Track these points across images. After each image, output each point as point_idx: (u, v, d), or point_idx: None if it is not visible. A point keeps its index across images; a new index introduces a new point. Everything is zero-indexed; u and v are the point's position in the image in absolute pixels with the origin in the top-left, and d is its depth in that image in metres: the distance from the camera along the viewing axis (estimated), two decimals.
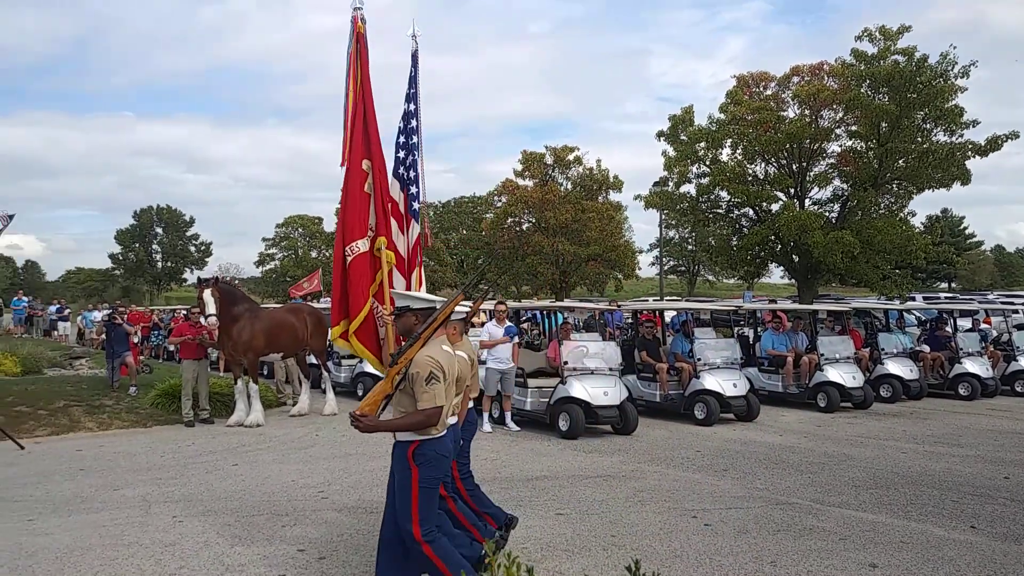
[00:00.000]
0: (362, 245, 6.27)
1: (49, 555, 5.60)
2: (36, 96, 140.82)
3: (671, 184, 31.20)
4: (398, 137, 7.17)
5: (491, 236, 47.28)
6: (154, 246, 77.97)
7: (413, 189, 6.98)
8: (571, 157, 46.42)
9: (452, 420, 4.82)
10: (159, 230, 77.95)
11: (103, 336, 16.86)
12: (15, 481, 8.07)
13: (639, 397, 12.55)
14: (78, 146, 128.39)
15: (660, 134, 30.74)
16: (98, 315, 25.70)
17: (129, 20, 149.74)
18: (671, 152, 30.47)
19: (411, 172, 7.08)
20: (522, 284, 48.25)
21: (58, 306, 31.45)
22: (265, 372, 15.55)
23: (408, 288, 6.57)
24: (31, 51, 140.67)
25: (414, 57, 7.12)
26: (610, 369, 11.23)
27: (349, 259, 6.30)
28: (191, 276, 76.63)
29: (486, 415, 11.23)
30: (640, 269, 48.24)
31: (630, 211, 48.43)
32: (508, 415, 11.21)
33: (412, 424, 4.33)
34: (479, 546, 4.93)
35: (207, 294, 11.51)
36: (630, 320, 15.64)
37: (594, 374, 11.01)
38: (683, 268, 74.94)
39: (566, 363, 10.92)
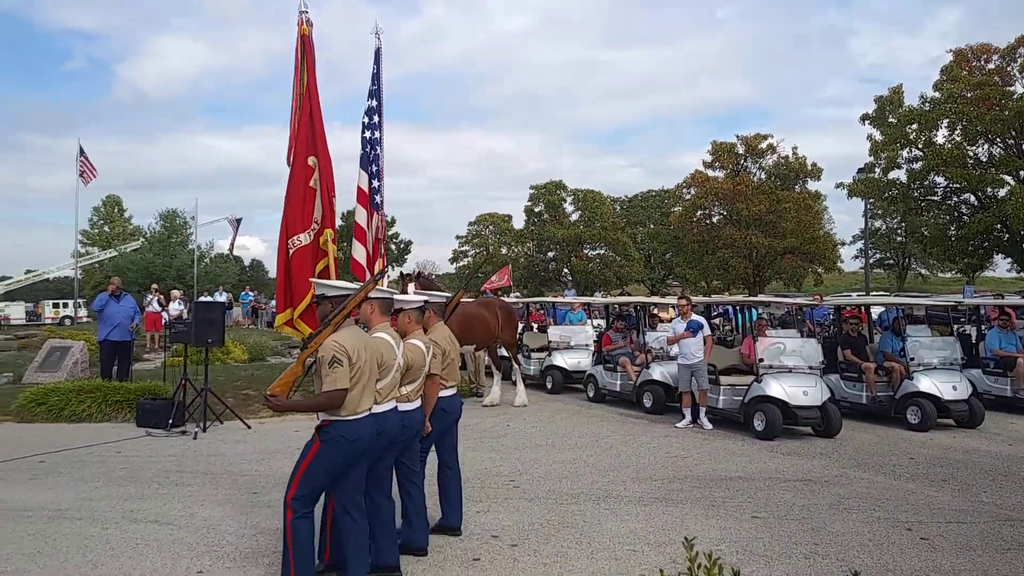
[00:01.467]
0: (304, 238, 6.45)
1: (271, 527, 6.12)
2: (259, 110, 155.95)
3: (878, 170, 29.03)
4: (363, 132, 7.20)
5: (679, 230, 46.27)
6: None
7: (375, 183, 7.06)
8: (764, 145, 44.41)
9: (386, 406, 4.90)
10: None
11: None
12: (243, 457, 8.93)
13: (842, 398, 11.75)
14: None
15: (865, 117, 28.67)
16: None
17: (337, 37, 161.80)
18: (878, 136, 28.33)
19: (374, 166, 7.20)
20: (712, 279, 46.80)
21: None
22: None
23: (362, 276, 6.67)
24: (254, 70, 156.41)
25: (377, 55, 7.20)
26: (810, 368, 10.61)
27: (291, 251, 6.52)
28: (392, 273, 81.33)
29: (687, 411, 11.05)
30: (842, 262, 45.24)
31: (829, 201, 45.53)
32: (702, 411, 10.88)
33: (316, 405, 4.51)
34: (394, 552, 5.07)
35: (411, 288, 12.13)
36: (832, 316, 14.70)
37: (792, 372, 10.45)
38: (891, 261, 69.40)
39: (761, 360, 10.44)
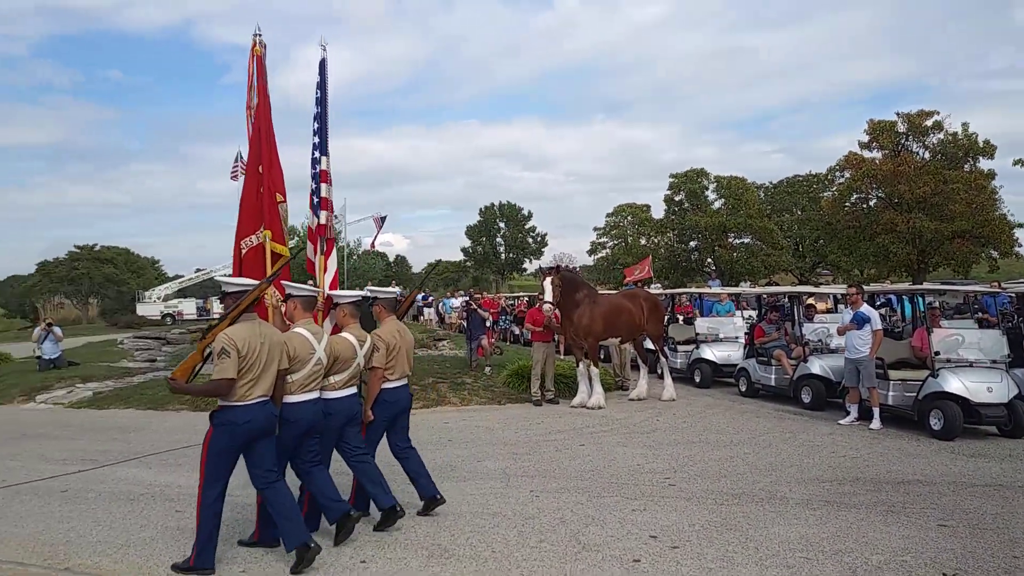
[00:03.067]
0: (255, 239, 6.97)
1: (427, 517, 6.17)
2: (402, 113, 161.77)
3: None
4: (313, 137, 7.77)
5: (832, 215, 43.75)
6: (498, 239, 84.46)
7: (313, 186, 7.67)
8: (929, 123, 41.15)
9: (304, 396, 5.30)
10: (501, 224, 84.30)
11: (462, 320, 18.59)
12: None
13: None
14: (434, 153, 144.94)
15: None
16: (456, 302, 28.55)
17: (473, 37, 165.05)
18: None
19: (315, 168, 7.75)
20: (868, 266, 43.92)
21: (423, 294, 35.55)
22: (602, 356, 15.92)
23: (314, 272, 7.40)
24: (397, 75, 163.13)
25: (322, 65, 7.76)
26: (993, 361, 9.66)
27: (244, 251, 6.99)
28: (530, 266, 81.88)
29: (852, 408, 10.37)
30: (1020, 247, 41.21)
31: (999, 180, 41.24)
32: (875, 411, 10.06)
33: (206, 391, 5.01)
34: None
35: (547, 282, 12.05)
36: (1016, 305, 13.35)
37: (973, 367, 9.55)
38: None
39: (937, 354, 9.59)
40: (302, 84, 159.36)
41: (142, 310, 56.49)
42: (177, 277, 69.76)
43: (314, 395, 5.44)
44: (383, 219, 36.57)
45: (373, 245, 38.01)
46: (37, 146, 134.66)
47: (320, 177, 7.82)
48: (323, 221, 7.84)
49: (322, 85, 7.98)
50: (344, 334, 5.82)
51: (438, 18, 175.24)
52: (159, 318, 53.70)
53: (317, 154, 7.90)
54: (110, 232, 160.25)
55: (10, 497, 7.02)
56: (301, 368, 5.29)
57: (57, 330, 17.28)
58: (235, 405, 4.91)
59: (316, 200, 7.85)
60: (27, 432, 10.53)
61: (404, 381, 6.33)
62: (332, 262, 7.70)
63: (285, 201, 7.49)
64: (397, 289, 6.96)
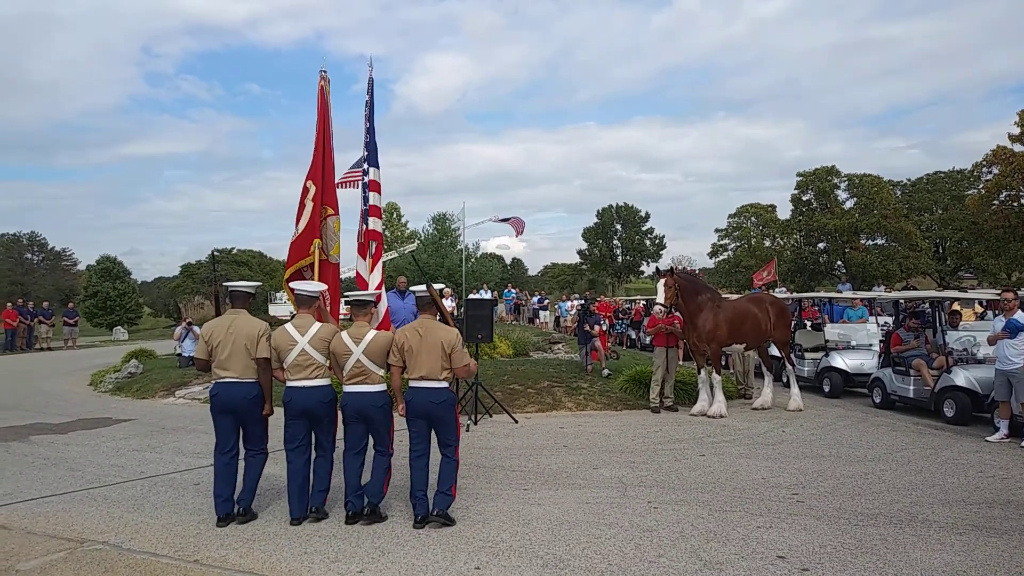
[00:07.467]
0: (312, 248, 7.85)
1: (542, 525, 6.07)
2: (519, 117, 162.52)
3: None
4: (363, 151, 8.58)
5: (978, 215, 40.77)
6: (615, 241, 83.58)
7: (363, 195, 8.56)
8: None
9: (294, 382, 6.17)
10: (618, 227, 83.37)
11: (575, 324, 18.43)
12: (512, 452, 9.08)
13: None
14: (552, 157, 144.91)
15: None
16: (570, 305, 28.42)
17: (589, 39, 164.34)
18: None
19: (364, 179, 8.59)
20: (1018, 269, 40.68)
21: (539, 297, 35.66)
22: (723, 363, 15.37)
23: (369, 271, 8.35)
24: (514, 80, 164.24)
25: (370, 84, 8.62)
26: None
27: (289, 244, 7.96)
28: (647, 268, 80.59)
29: (1002, 423, 9.56)
30: None
31: None
32: None
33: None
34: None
35: (660, 283, 11.78)
36: None
37: None
38: None
39: None
40: (422, 91, 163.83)
41: (274, 310, 59.21)
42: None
43: (310, 383, 6.18)
44: (505, 220, 36.49)
45: (519, 233, 37.77)
46: (182, 155, 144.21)
47: (369, 186, 8.43)
48: (371, 227, 8.40)
49: (370, 103, 8.73)
50: (343, 332, 6.28)
51: (556, 23, 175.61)
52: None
53: (366, 166, 8.52)
54: (242, 236, 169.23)
55: (148, 488, 7.44)
56: (285, 357, 6.18)
57: (197, 329, 18.34)
58: (213, 381, 6.18)
59: (365, 208, 8.40)
60: (166, 426, 11.17)
61: (429, 383, 6.10)
62: (378, 267, 8.44)
63: (337, 215, 8.24)
64: (441, 285, 7.65)
